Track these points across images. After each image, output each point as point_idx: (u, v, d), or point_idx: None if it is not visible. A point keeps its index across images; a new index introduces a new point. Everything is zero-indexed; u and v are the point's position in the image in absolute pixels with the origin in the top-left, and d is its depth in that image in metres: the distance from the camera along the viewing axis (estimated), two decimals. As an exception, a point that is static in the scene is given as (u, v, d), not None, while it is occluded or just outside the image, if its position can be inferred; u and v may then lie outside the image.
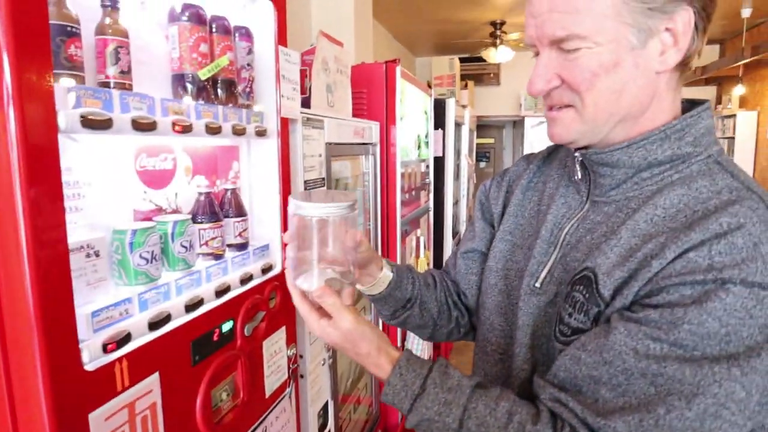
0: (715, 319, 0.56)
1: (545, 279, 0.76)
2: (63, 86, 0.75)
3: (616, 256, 0.66)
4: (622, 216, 0.70)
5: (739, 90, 6.39)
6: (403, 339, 2.78)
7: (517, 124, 7.28)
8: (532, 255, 0.79)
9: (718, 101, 7.32)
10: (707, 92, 7.37)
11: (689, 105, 0.74)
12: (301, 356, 1.59)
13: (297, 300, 0.75)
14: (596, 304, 0.66)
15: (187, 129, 1.00)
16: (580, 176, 0.77)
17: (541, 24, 0.67)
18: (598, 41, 0.64)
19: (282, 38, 1.35)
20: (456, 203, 3.89)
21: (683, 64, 0.68)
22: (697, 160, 0.68)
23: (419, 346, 2.83)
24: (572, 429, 0.62)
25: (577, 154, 0.75)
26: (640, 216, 0.67)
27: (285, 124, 1.39)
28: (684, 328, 0.57)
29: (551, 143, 0.85)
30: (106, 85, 0.90)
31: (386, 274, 0.88)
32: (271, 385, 1.37)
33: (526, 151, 6.21)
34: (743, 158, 6.48)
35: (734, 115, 6.64)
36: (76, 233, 0.91)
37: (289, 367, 1.46)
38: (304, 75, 1.71)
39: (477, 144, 6.05)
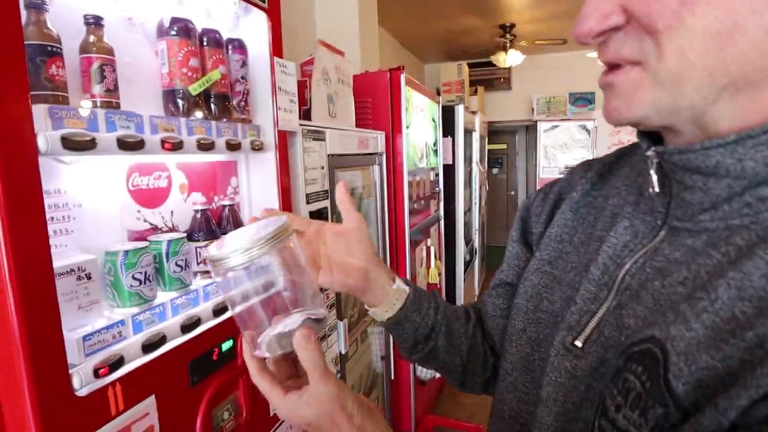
0: None
1: (590, 337, 0.51)
2: (42, 108, 0.74)
3: (706, 330, 0.40)
4: (718, 257, 0.44)
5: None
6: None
7: (530, 128, 7.19)
8: (575, 299, 0.55)
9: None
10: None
11: None
12: (307, 373, 1.55)
13: (255, 373, 0.56)
14: (662, 401, 0.41)
15: (177, 146, 0.98)
16: (657, 189, 0.50)
17: None
18: None
19: (277, 49, 1.33)
20: (468, 211, 3.84)
21: None
22: None
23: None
24: None
25: (650, 152, 0.49)
26: (756, 264, 0.40)
27: (283, 137, 1.37)
28: None
29: (620, 148, 0.62)
30: (92, 104, 0.89)
31: (401, 288, 0.69)
32: (275, 403, 1.34)
33: (540, 156, 6.12)
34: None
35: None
36: (66, 256, 0.90)
37: (294, 385, 1.43)
38: (304, 86, 1.70)
39: (489, 150, 6.00)
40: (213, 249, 0.52)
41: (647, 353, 0.43)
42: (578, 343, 0.52)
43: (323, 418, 0.53)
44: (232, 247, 0.49)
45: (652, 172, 0.50)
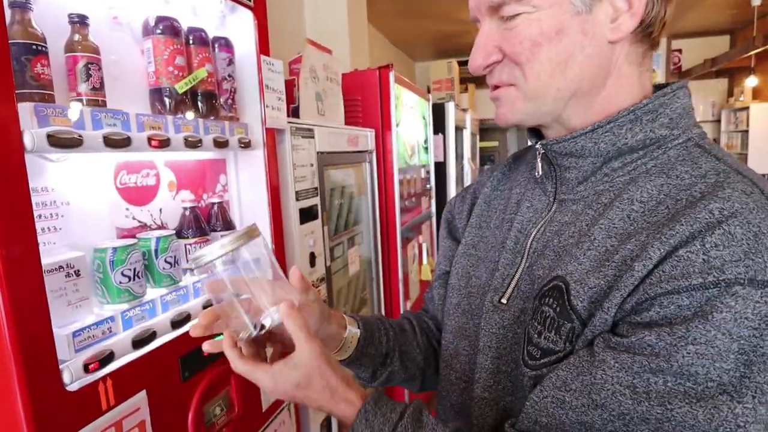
0: (725, 333, 0.45)
1: (512, 294, 0.66)
2: (28, 106, 0.74)
3: (590, 261, 0.56)
4: (592, 213, 0.61)
5: (751, 81, 6.29)
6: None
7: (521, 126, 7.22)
8: (497, 268, 0.70)
9: (730, 93, 7.22)
10: (718, 85, 7.28)
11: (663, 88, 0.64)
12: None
13: (236, 359, 0.62)
14: (569, 318, 0.56)
15: (164, 143, 0.99)
16: (541, 172, 0.68)
17: None
18: (537, 5, 0.57)
19: (264, 47, 1.34)
20: (460, 207, 3.86)
21: (644, 35, 0.60)
22: (674, 144, 0.59)
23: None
24: None
25: (538, 146, 0.67)
26: (614, 213, 0.58)
27: (271, 134, 1.38)
28: (689, 350, 0.46)
29: (514, 152, 0.81)
30: (78, 102, 0.90)
31: (352, 332, 0.78)
32: (267, 399, 1.35)
33: (532, 151, 6.13)
34: (758, 152, 6.37)
35: (747, 108, 6.55)
36: (54, 253, 0.90)
37: (286, 380, 1.44)
38: (292, 84, 1.71)
39: (481, 147, 6.01)
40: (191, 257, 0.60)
41: (555, 288, 0.58)
42: (504, 301, 0.67)
43: (312, 375, 0.60)
44: (210, 247, 0.58)
45: (538, 160, 0.68)
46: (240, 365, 0.62)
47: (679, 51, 7.12)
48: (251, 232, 0.60)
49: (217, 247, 0.57)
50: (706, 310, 0.46)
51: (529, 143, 0.73)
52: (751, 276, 0.46)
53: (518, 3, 0.58)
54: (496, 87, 0.65)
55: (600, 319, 0.53)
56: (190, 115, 1.11)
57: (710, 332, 0.46)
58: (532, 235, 0.67)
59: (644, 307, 0.50)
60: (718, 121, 7.27)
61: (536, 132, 0.71)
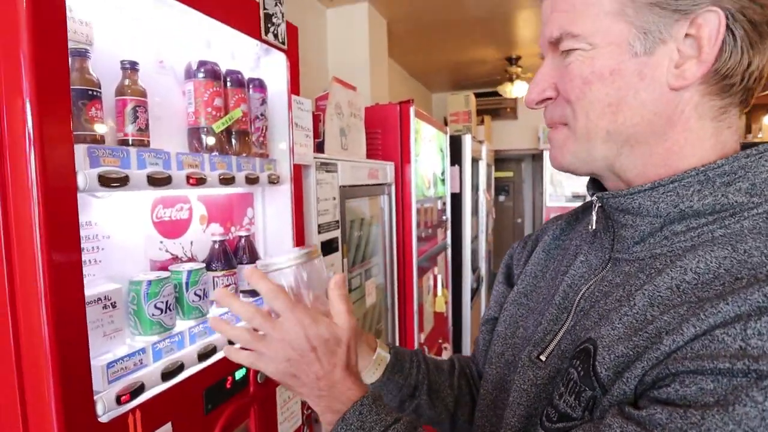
0: (745, 430, 0.40)
1: (552, 352, 0.62)
2: (82, 147, 0.79)
3: (624, 328, 0.52)
4: (643, 278, 0.55)
5: (770, 118, 6.28)
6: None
7: (537, 157, 7.27)
8: (541, 322, 0.67)
9: (748, 130, 7.20)
10: (732, 121, 7.26)
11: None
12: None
13: (271, 291, 0.62)
14: (590, 386, 0.52)
15: (201, 181, 1.03)
16: (595, 226, 0.65)
17: (544, 28, 0.60)
18: (593, 42, 0.55)
19: (295, 87, 1.40)
20: (475, 239, 3.87)
21: (723, 87, 0.54)
22: (752, 213, 0.52)
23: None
24: None
25: (594, 197, 0.64)
26: (663, 280, 0.52)
27: (298, 170, 1.43)
28: None
29: (585, 201, 0.75)
30: (124, 142, 0.95)
31: (381, 355, 0.77)
32: (285, 431, 1.35)
33: (546, 184, 6.16)
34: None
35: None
36: (93, 285, 0.94)
37: (303, 413, 1.45)
38: (318, 120, 1.76)
39: (496, 178, 6.05)
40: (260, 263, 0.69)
41: (584, 350, 0.54)
42: (542, 357, 0.63)
43: (341, 341, 0.61)
44: (278, 258, 0.68)
45: (593, 213, 0.65)
46: (276, 298, 0.62)
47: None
48: (313, 253, 0.68)
49: (284, 259, 0.66)
50: (730, 400, 0.41)
51: (588, 197, 0.69)
52: None
53: (575, 39, 0.56)
54: (552, 127, 0.63)
55: (619, 390, 0.49)
56: (223, 151, 1.16)
57: (728, 426, 0.40)
58: (581, 292, 0.63)
59: (664, 382, 0.46)
60: (735, 158, 7.23)
61: (598, 184, 0.67)
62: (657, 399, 0.46)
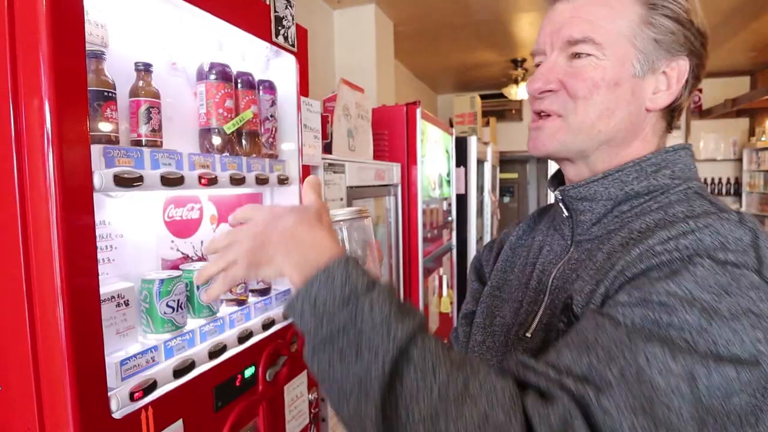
0: (686, 290, 0.51)
1: (536, 327, 0.72)
2: (98, 148, 0.80)
3: (590, 277, 0.63)
4: (603, 251, 0.67)
5: (773, 121, 6.25)
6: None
7: (541, 159, 7.25)
8: (521, 306, 0.77)
9: (752, 133, 7.17)
10: (739, 125, 7.23)
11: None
12: (322, 400, 1.58)
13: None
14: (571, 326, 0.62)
15: (212, 182, 1.04)
16: (566, 213, 0.76)
17: (558, 29, 0.68)
18: (607, 54, 0.66)
19: (304, 89, 1.41)
20: (479, 240, 3.88)
21: (670, 112, 0.71)
22: (676, 190, 0.67)
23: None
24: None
25: (557, 192, 0.75)
26: (616, 239, 0.65)
27: (306, 170, 1.44)
28: (654, 299, 0.51)
29: (541, 206, 0.87)
30: (138, 143, 0.96)
31: None
32: (292, 429, 1.37)
33: (551, 185, 6.13)
34: (781, 192, 6.29)
35: (769, 148, 6.48)
36: (107, 283, 0.95)
37: (310, 411, 1.46)
38: (326, 121, 1.77)
39: (501, 179, 6.05)
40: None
41: (565, 306, 0.65)
42: (528, 335, 0.72)
43: (300, 207, 0.62)
44: (335, 211, 0.74)
45: (560, 204, 0.76)
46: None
47: (700, 90, 7.14)
48: (364, 211, 0.77)
49: (342, 212, 0.74)
50: (671, 274, 0.52)
51: (550, 193, 0.81)
52: (712, 255, 0.53)
53: (593, 46, 0.66)
54: (539, 116, 0.72)
55: (581, 311, 0.60)
56: (233, 152, 1.17)
57: (670, 287, 0.51)
58: (553, 273, 0.74)
59: (621, 287, 0.57)
60: (740, 160, 7.21)
61: (558, 180, 0.80)
62: (618, 300, 0.55)
